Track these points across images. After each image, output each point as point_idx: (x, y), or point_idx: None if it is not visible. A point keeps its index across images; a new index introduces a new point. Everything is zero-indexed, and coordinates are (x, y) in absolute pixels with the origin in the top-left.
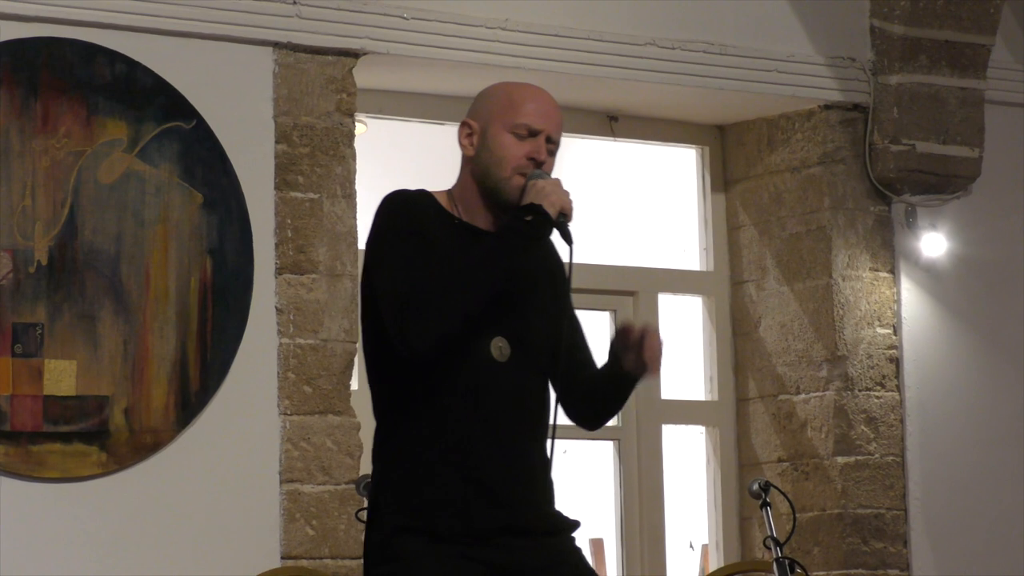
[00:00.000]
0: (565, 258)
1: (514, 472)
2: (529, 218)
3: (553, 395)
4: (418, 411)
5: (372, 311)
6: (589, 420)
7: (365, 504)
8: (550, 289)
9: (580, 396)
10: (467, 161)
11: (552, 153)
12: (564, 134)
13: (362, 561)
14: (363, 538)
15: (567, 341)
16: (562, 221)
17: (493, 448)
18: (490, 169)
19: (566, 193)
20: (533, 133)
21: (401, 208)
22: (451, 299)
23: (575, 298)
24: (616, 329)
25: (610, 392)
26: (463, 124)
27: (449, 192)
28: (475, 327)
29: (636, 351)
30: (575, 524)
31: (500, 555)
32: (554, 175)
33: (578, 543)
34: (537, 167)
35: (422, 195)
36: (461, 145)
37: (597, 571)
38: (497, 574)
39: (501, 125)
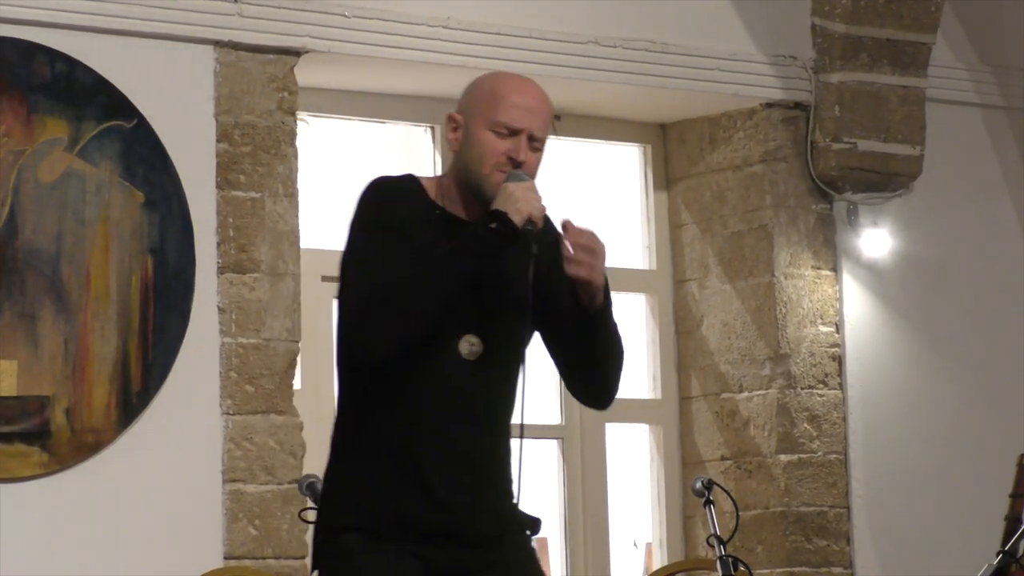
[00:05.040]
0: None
1: (463, 476)
2: (493, 225)
3: (519, 392)
4: (375, 408)
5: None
6: (587, 391)
7: (308, 504)
8: (545, 277)
9: (568, 370)
10: (454, 155)
11: (537, 150)
12: None
13: (307, 558)
14: (313, 523)
15: (554, 328)
16: (528, 228)
17: (442, 451)
18: (470, 165)
19: (538, 198)
20: (514, 132)
21: (376, 200)
22: (407, 307)
23: None
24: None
25: (580, 341)
26: (449, 118)
27: (440, 180)
28: (437, 329)
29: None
30: (531, 524)
31: (441, 555)
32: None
33: (531, 543)
34: (516, 166)
35: (406, 183)
36: (448, 140)
37: (543, 570)
38: (437, 571)
39: (482, 122)
